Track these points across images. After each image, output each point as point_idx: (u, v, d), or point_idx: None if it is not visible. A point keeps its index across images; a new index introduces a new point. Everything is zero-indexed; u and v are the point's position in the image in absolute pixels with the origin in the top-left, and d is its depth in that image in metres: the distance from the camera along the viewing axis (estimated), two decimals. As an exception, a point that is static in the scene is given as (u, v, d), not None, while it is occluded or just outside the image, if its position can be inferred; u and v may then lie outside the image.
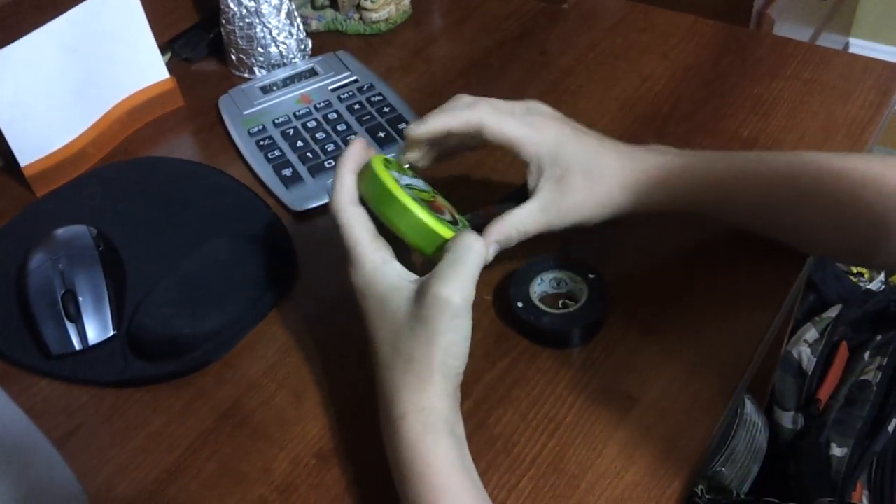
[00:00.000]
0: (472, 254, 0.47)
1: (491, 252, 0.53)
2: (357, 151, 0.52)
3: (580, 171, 0.54)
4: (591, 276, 0.57)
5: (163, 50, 0.83)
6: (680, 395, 0.53)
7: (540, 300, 0.57)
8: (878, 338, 1.20)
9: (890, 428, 1.09)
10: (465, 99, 0.56)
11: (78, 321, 0.57)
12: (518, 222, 0.54)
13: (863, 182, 0.53)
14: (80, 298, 0.58)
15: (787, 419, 1.14)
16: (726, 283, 0.60)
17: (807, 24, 1.46)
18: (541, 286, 0.58)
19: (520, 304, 0.56)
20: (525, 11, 0.89)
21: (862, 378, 1.14)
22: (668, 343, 0.56)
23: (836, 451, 1.06)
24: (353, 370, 0.56)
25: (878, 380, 1.14)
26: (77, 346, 0.57)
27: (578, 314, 0.55)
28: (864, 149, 0.69)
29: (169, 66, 0.82)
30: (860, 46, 1.96)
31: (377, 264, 0.48)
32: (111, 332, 0.58)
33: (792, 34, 1.36)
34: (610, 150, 0.56)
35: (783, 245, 0.59)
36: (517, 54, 0.83)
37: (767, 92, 0.74)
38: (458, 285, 0.45)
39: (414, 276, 0.48)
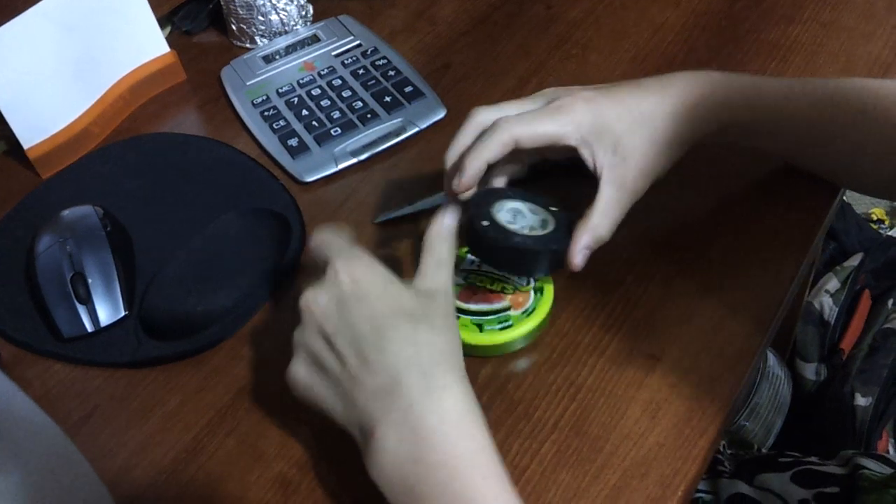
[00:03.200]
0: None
1: (580, 260, 0.50)
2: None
3: (630, 130, 0.51)
4: (552, 208, 0.53)
5: (162, 23, 0.81)
6: (703, 353, 0.51)
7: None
8: (902, 285, 1.18)
9: (916, 375, 1.07)
10: (480, 116, 0.53)
11: (88, 303, 0.57)
12: (602, 217, 0.51)
13: None
14: (90, 280, 0.57)
15: (809, 371, 1.12)
16: (746, 235, 0.58)
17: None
18: (499, 214, 0.52)
19: (484, 223, 0.50)
20: (530, -35, 0.86)
21: (886, 326, 1.12)
22: (689, 300, 0.54)
23: (861, 400, 1.05)
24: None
25: (903, 328, 1.12)
26: (89, 328, 0.57)
27: (551, 238, 0.51)
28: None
29: (169, 39, 0.80)
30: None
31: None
32: (122, 313, 0.57)
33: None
34: (648, 93, 0.53)
35: (814, 179, 0.57)
36: (522, 9, 0.81)
37: (784, 36, 0.72)
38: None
39: None
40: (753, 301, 0.54)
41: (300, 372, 0.45)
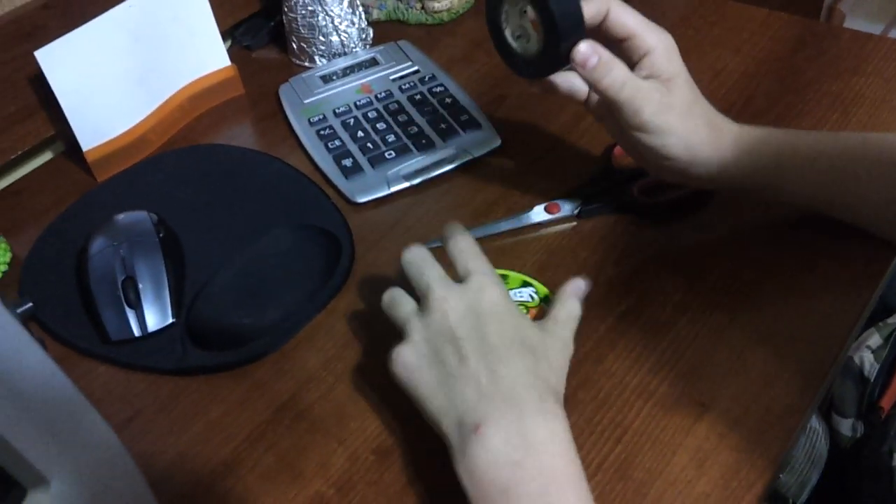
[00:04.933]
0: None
1: (582, 51, 0.51)
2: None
3: (686, 84, 0.54)
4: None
5: (223, 37, 0.83)
6: (753, 404, 0.50)
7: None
8: (946, 346, 1.16)
9: (956, 440, 1.04)
10: None
11: (138, 308, 0.57)
12: (633, 82, 0.52)
13: None
14: (140, 285, 0.58)
15: (846, 426, 1.10)
16: (801, 287, 0.57)
17: (878, 19, 1.41)
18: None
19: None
20: (590, 2, 0.86)
21: (928, 388, 1.10)
22: (740, 348, 0.53)
23: (899, 462, 1.02)
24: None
25: (945, 390, 1.10)
26: (136, 332, 0.57)
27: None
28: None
29: (229, 53, 0.81)
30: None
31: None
32: (170, 320, 0.58)
33: (862, 28, 1.31)
34: (706, 107, 0.56)
35: (864, 235, 0.56)
36: (582, 46, 0.81)
37: (847, 89, 0.71)
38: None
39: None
40: (806, 355, 0.53)
41: (409, 355, 0.47)
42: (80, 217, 0.67)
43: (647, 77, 0.53)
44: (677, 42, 0.54)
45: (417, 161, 0.69)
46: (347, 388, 0.54)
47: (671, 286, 0.57)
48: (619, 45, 0.53)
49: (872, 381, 1.10)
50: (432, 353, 0.46)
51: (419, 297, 0.49)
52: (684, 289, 0.56)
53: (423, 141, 0.71)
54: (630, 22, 0.52)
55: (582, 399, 0.51)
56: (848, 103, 0.70)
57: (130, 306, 0.57)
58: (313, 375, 0.55)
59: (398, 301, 0.50)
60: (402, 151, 0.70)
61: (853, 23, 1.19)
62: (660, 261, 0.59)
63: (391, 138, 0.72)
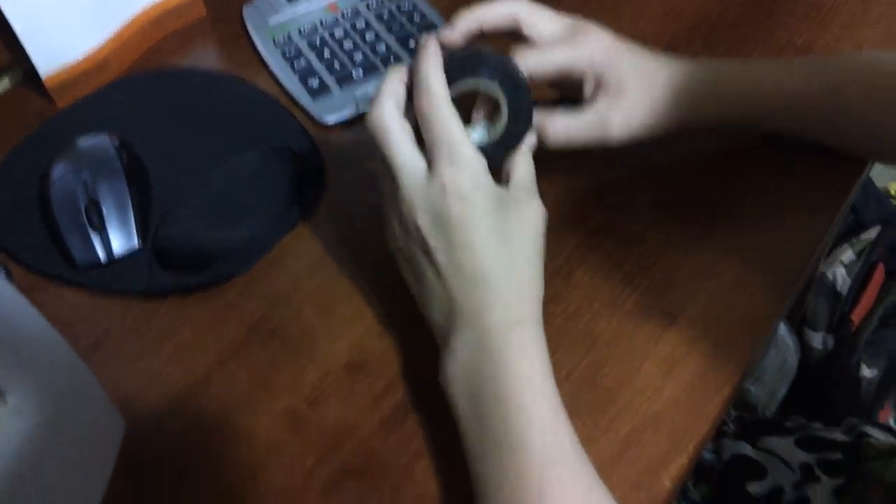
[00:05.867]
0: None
1: (531, 140, 0.49)
2: (437, 48, 0.47)
3: (638, 83, 0.52)
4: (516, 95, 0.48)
5: (183, -44, 0.80)
6: (722, 313, 0.51)
7: None
8: (918, 261, 1.17)
9: (924, 351, 1.07)
10: (514, 7, 0.52)
11: (102, 232, 0.56)
12: (569, 127, 0.51)
13: None
14: (104, 209, 0.57)
15: (817, 340, 1.12)
16: (772, 201, 0.57)
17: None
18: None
19: None
20: (561, -87, 0.84)
21: (898, 301, 1.12)
22: (711, 260, 0.54)
23: (867, 372, 1.04)
24: (381, 284, 0.54)
25: (915, 304, 1.12)
26: (102, 257, 0.56)
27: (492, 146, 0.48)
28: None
29: (189, -27, 0.78)
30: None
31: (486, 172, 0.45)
32: (136, 244, 0.57)
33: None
34: (665, 63, 0.54)
35: (839, 153, 0.56)
36: (554, -41, 0.79)
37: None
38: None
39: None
40: (776, 267, 0.53)
41: (393, 241, 0.47)
42: (41, 144, 0.66)
43: (588, 101, 0.52)
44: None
45: (386, 80, 0.68)
46: (318, 308, 0.54)
47: (642, 203, 0.57)
48: (563, 80, 0.52)
49: (845, 295, 1.12)
50: (410, 255, 0.46)
51: (389, 176, 0.46)
52: (655, 206, 0.56)
53: (392, 59, 0.69)
54: (552, 62, 0.51)
55: (552, 312, 0.52)
56: (824, 13, 0.69)
57: (95, 230, 0.56)
58: (283, 295, 0.55)
59: (379, 176, 0.47)
60: (371, 71, 0.69)
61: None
62: (632, 175, 0.59)
63: (359, 57, 0.70)
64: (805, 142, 0.57)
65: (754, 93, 0.54)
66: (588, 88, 0.52)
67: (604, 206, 0.57)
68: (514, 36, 0.53)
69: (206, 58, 0.76)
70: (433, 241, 0.44)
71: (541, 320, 0.44)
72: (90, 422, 0.39)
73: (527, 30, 0.52)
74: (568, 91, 0.55)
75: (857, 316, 1.08)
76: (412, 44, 0.70)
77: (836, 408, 1.01)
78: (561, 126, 0.51)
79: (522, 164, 0.48)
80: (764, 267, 0.53)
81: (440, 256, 0.44)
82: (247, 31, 0.75)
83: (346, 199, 0.61)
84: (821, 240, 0.55)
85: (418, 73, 0.45)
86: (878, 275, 1.13)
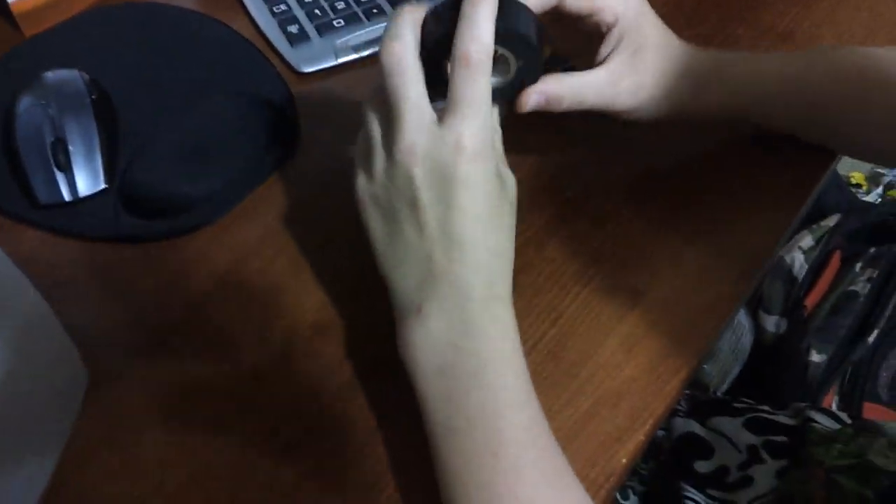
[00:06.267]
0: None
1: (531, 103, 0.47)
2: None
3: (654, 54, 0.51)
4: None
5: None
6: (687, 294, 0.52)
7: None
8: (872, 250, 1.20)
9: (870, 339, 1.10)
10: None
11: (68, 171, 0.55)
12: (578, 86, 0.50)
13: None
14: (71, 147, 0.55)
15: (770, 323, 1.14)
16: (741, 185, 0.58)
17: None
18: None
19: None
20: None
21: (850, 289, 1.14)
22: (679, 240, 0.54)
23: (815, 357, 1.07)
24: (353, 241, 0.53)
25: (866, 291, 1.14)
26: (67, 196, 0.55)
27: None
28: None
29: None
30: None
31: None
32: (102, 185, 0.56)
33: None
34: (680, 43, 0.53)
35: (811, 146, 0.57)
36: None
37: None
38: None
39: None
40: (741, 250, 0.54)
41: (365, 191, 0.43)
42: (6, 74, 0.63)
43: (604, 58, 0.50)
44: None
45: (368, 31, 0.66)
46: (287, 263, 0.53)
47: (615, 178, 0.57)
48: (583, 21, 0.50)
49: (801, 280, 1.15)
50: (389, 207, 0.42)
51: (390, 118, 0.42)
52: (629, 182, 0.56)
53: (374, 10, 0.68)
54: None
55: (521, 283, 0.51)
56: (808, -1, 0.69)
57: (60, 169, 0.55)
58: (253, 248, 0.54)
59: (369, 117, 0.44)
60: (352, 20, 0.67)
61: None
62: (608, 154, 0.59)
63: (340, 5, 0.68)
64: (775, 137, 0.57)
65: (754, 83, 0.54)
66: (606, 46, 0.50)
67: (580, 181, 0.57)
68: None
69: (183, -5, 0.73)
70: (425, 195, 0.41)
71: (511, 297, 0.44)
72: (53, 368, 0.38)
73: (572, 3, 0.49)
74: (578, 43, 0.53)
75: (810, 301, 1.10)
76: (395, -4, 0.69)
77: (783, 390, 1.04)
78: (574, 81, 0.49)
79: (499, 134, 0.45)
80: (729, 252, 0.54)
81: (429, 213, 0.41)
82: (226, -30, 0.73)
83: (321, 150, 0.60)
84: (786, 229, 0.56)
85: (473, 15, 0.41)
86: (834, 262, 1.16)
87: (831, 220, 1.20)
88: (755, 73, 0.54)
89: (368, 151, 0.43)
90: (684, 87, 0.52)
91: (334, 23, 0.67)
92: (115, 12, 0.69)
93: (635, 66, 0.50)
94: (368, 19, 0.67)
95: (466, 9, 0.41)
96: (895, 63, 0.52)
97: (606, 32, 0.50)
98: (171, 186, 0.55)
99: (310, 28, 0.67)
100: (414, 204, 0.41)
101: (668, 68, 0.52)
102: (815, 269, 1.15)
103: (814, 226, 1.16)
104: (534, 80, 0.47)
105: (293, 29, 0.66)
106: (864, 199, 1.39)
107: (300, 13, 0.68)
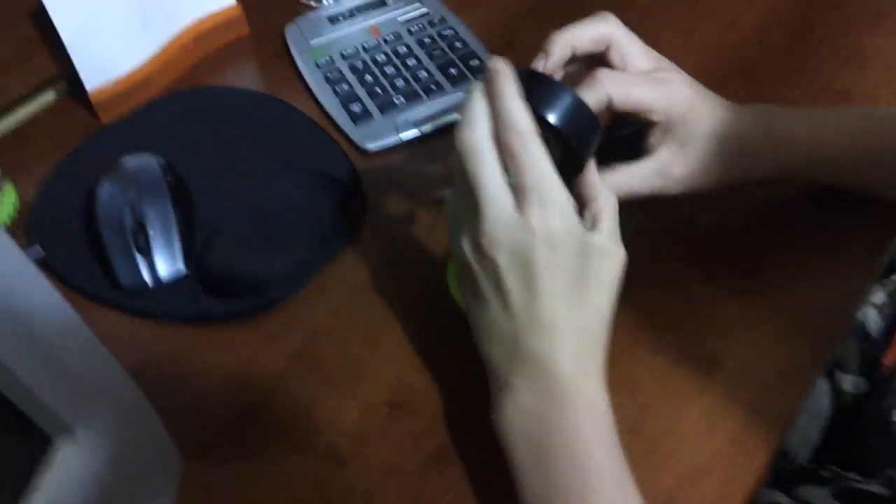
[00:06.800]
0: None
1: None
2: (511, 74, 0.43)
3: (707, 137, 0.51)
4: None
5: (226, -28, 0.80)
6: (765, 360, 0.51)
7: None
8: (944, 301, 1.16)
9: (952, 396, 1.06)
10: (605, 27, 0.51)
11: (148, 254, 0.57)
12: (629, 179, 0.51)
13: None
14: (151, 232, 0.57)
15: (848, 383, 1.11)
16: (810, 244, 0.57)
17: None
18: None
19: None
20: (604, -55, 0.84)
21: (928, 342, 1.11)
22: (752, 304, 0.54)
23: (899, 418, 1.04)
24: (424, 315, 0.54)
25: (941, 345, 1.11)
26: (147, 279, 0.57)
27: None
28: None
29: (232, -11, 0.79)
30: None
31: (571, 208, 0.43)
32: (181, 268, 0.57)
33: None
34: (732, 113, 0.53)
35: (880, 202, 0.56)
36: (594, -9, 0.79)
37: (863, 42, 0.70)
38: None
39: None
40: (815, 313, 0.53)
41: (460, 265, 0.45)
42: (86, 160, 0.66)
43: (653, 148, 0.51)
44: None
45: (428, 107, 0.68)
46: (360, 340, 0.54)
47: (686, 242, 0.57)
48: (627, 115, 0.51)
49: (876, 338, 1.11)
50: (477, 283, 0.43)
51: (471, 203, 0.43)
52: (700, 246, 0.56)
53: (433, 87, 0.70)
54: (636, 99, 0.49)
55: (594, 354, 0.52)
56: (863, 58, 0.69)
57: (141, 253, 0.57)
58: (325, 325, 0.55)
59: (455, 194, 0.45)
60: (412, 97, 0.69)
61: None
62: (674, 219, 0.59)
63: (400, 83, 0.70)
64: (845, 191, 0.57)
65: (810, 144, 0.54)
66: (656, 136, 0.51)
67: (647, 246, 0.57)
68: (593, 59, 0.51)
69: (248, 76, 0.76)
70: (510, 282, 0.42)
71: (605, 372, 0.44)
72: (149, 454, 0.39)
73: (617, 56, 0.50)
74: (625, 129, 0.54)
75: (889, 360, 1.07)
76: (453, 71, 0.71)
77: (870, 456, 1.00)
78: (621, 179, 0.50)
79: (610, 209, 0.45)
80: (804, 318, 0.53)
81: (514, 298, 0.42)
82: (289, 52, 0.76)
83: (387, 227, 0.61)
84: (861, 291, 0.55)
85: (501, 105, 0.42)
86: (910, 316, 1.13)
87: (900, 273, 1.17)
88: (810, 127, 0.54)
89: (458, 221, 0.44)
90: (734, 160, 0.52)
91: (395, 100, 0.69)
92: (186, 97, 0.72)
93: (685, 155, 0.51)
94: (428, 96, 0.69)
95: (492, 94, 0.42)
96: None
97: (656, 125, 0.51)
98: (246, 267, 0.56)
99: (372, 106, 0.68)
100: (498, 286, 0.42)
101: (722, 148, 0.51)
102: (891, 325, 1.12)
103: (885, 280, 1.13)
104: (580, 168, 0.47)
105: (356, 108, 0.68)
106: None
107: (362, 92, 0.70)
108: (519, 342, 0.42)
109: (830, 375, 1.09)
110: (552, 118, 0.44)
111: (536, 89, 0.44)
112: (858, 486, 0.66)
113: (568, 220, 0.42)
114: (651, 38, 0.73)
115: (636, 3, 0.77)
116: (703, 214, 0.59)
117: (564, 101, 0.44)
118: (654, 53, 0.52)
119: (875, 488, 0.65)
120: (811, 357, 0.51)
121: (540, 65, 0.49)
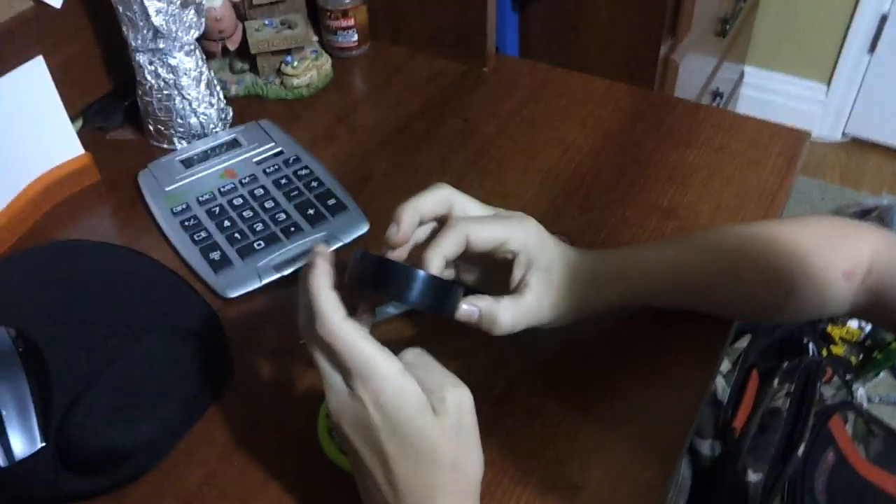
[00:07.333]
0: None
1: (465, 311, 0.52)
2: (326, 267, 0.47)
3: (566, 267, 0.56)
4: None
5: (74, 118, 0.80)
6: (621, 480, 0.54)
7: None
8: (785, 364, 1.27)
9: (799, 453, 1.15)
10: (443, 192, 0.54)
11: (2, 436, 0.55)
12: (517, 312, 0.53)
13: (783, 248, 0.58)
14: (3, 411, 0.55)
15: (705, 447, 1.18)
16: (651, 367, 0.62)
17: (709, 56, 1.53)
18: None
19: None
20: (446, 75, 0.90)
21: (773, 405, 1.20)
22: (605, 426, 0.57)
23: (752, 476, 1.11)
24: (296, 471, 0.55)
25: (787, 406, 1.20)
26: (2, 462, 0.54)
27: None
28: (776, 215, 0.72)
29: (81, 134, 0.79)
30: (754, 74, 2.06)
31: (404, 373, 0.45)
32: (39, 445, 0.55)
33: (696, 72, 1.42)
34: (581, 256, 0.58)
35: (706, 316, 0.62)
36: (440, 121, 0.84)
37: (682, 160, 0.78)
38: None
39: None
40: (662, 430, 0.57)
41: (339, 427, 0.46)
42: (-71, 333, 0.63)
43: (521, 282, 0.55)
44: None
45: (288, 250, 0.70)
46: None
47: (540, 369, 0.61)
48: (491, 254, 0.54)
49: (725, 403, 1.20)
50: (342, 435, 0.46)
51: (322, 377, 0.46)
52: (551, 373, 0.60)
53: (292, 228, 0.71)
54: (492, 234, 0.53)
55: (463, 492, 0.54)
56: (684, 174, 0.76)
57: (-6, 436, 0.55)
58: (196, 493, 0.54)
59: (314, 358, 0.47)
60: (272, 241, 0.70)
61: (686, 67, 1.28)
62: (522, 347, 0.62)
63: (259, 227, 0.72)
64: (678, 311, 0.62)
65: (644, 278, 0.59)
66: (518, 269, 0.54)
67: (502, 377, 0.60)
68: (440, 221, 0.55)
69: (102, 227, 0.76)
70: (358, 443, 0.45)
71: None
72: None
73: (460, 213, 0.54)
74: (487, 276, 0.58)
75: (738, 422, 1.15)
76: (311, 212, 0.73)
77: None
78: (510, 315, 0.53)
79: (434, 369, 0.47)
80: (651, 435, 0.57)
81: (366, 459, 0.45)
82: (143, 197, 0.76)
83: (254, 379, 0.61)
84: (700, 398, 0.60)
85: (311, 299, 0.45)
86: (754, 380, 1.22)
87: (744, 341, 1.27)
88: (643, 267, 0.60)
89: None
90: (591, 293, 0.57)
91: (255, 245, 0.70)
92: (35, 254, 0.70)
93: (551, 282, 0.55)
94: (287, 238, 0.71)
95: (304, 286, 0.47)
96: (757, 237, 0.59)
97: (514, 259, 0.54)
98: (108, 439, 0.55)
99: (231, 253, 0.69)
100: (352, 448, 0.46)
101: (576, 280, 0.56)
102: (738, 390, 1.20)
103: (728, 349, 1.22)
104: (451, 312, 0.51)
105: (215, 256, 0.69)
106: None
107: (221, 238, 0.71)
108: (381, 494, 0.45)
109: (689, 443, 1.16)
110: (406, 300, 0.47)
111: (385, 278, 0.48)
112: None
113: (395, 381, 0.44)
114: (495, 165, 0.79)
115: (480, 131, 0.82)
116: (548, 347, 0.62)
117: (414, 282, 0.47)
118: (490, 207, 0.56)
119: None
120: (660, 469, 0.55)
121: (393, 231, 0.52)
